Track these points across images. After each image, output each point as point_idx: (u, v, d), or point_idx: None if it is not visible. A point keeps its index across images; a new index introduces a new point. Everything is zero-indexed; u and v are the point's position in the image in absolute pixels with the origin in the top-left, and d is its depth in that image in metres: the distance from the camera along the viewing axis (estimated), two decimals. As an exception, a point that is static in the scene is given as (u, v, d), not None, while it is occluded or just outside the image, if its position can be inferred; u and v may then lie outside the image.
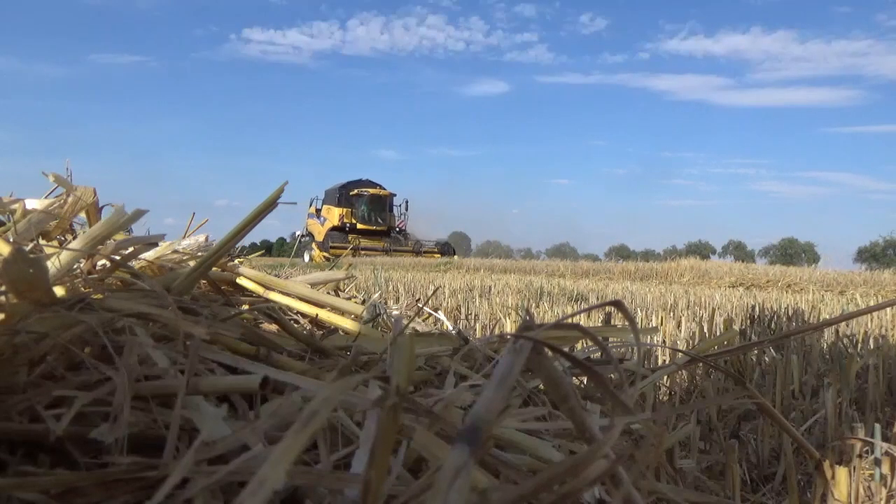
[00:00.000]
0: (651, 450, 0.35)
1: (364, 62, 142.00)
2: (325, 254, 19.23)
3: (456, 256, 19.76)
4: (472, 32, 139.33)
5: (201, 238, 1.17)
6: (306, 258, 21.76)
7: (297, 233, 25.69)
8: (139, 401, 0.49)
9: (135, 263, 0.84)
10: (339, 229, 21.67)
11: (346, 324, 0.88)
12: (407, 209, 23.40)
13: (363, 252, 18.86)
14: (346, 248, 18.52)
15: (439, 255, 19.75)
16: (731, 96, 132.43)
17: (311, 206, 24.66)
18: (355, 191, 22.58)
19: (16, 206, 1.00)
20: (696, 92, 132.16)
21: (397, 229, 22.98)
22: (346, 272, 1.31)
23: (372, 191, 22.75)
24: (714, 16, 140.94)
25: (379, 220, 22.69)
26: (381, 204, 23.05)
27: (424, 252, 20.38)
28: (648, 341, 1.64)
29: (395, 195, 23.47)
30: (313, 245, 21.85)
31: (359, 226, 21.92)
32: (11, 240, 0.79)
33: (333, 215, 22.21)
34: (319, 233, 22.56)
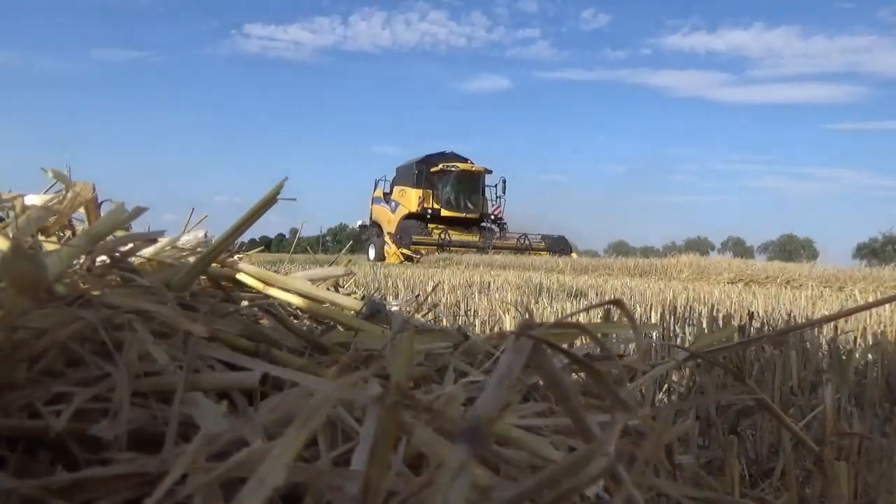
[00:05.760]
0: (651, 447, 0.35)
1: (365, 58, 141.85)
2: (403, 250, 14.41)
3: (574, 255, 14.51)
4: (473, 28, 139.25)
5: (200, 234, 1.17)
6: (371, 254, 16.78)
7: (360, 222, 20.13)
8: (139, 397, 0.49)
9: (134, 260, 0.84)
10: (418, 217, 15.98)
11: (346, 320, 0.88)
12: (504, 191, 16.71)
13: (453, 248, 14.09)
14: (431, 243, 14.39)
15: (547, 254, 14.15)
16: (732, 92, 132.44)
17: (376, 188, 18.74)
18: (439, 166, 16.31)
19: (15, 201, 0.99)
20: (697, 88, 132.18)
21: (492, 217, 16.97)
22: (345, 268, 1.31)
23: (462, 166, 16.55)
24: (716, 11, 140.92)
25: (469, 204, 16.65)
26: (473, 183, 16.87)
27: (533, 249, 14.85)
28: (647, 338, 1.64)
29: (490, 171, 17.05)
30: (387, 239, 15.96)
31: (443, 212, 16.08)
32: (11, 236, 0.79)
33: (409, 199, 16.34)
34: (390, 222, 16.84)
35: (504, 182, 16.62)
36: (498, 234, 16.16)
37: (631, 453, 0.35)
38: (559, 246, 15.12)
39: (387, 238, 16.04)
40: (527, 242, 15.17)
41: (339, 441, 0.49)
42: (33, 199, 1.02)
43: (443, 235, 14.86)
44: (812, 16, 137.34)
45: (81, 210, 1.04)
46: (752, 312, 1.87)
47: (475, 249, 14.17)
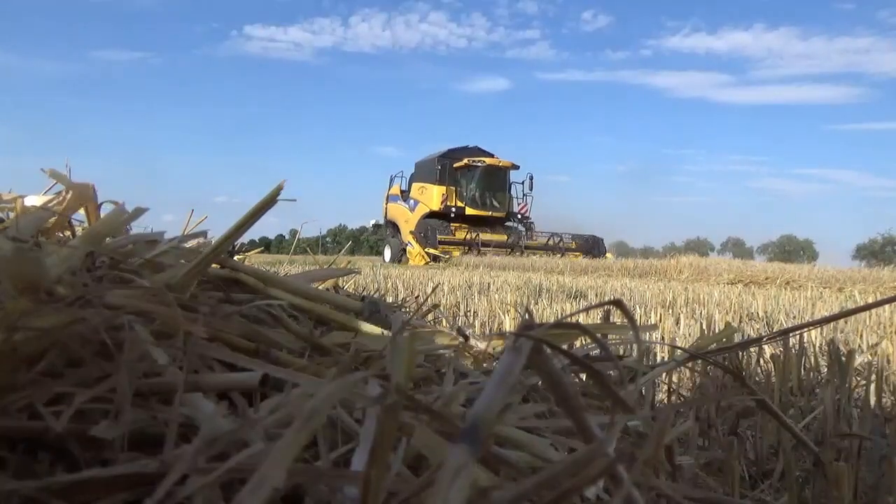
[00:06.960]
0: (651, 447, 0.35)
1: (366, 59, 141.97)
2: (430, 250, 13.30)
3: (609, 256, 13.72)
4: (474, 29, 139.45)
5: (200, 235, 1.17)
6: (387, 255, 15.99)
7: (373, 221, 19.08)
8: (139, 398, 0.49)
9: (134, 261, 0.84)
10: (440, 216, 14.89)
11: (346, 321, 0.88)
12: (532, 188, 15.71)
13: (482, 249, 13.08)
14: (459, 243, 13.52)
15: (580, 255, 13.23)
16: (733, 93, 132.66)
17: (391, 186, 17.53)
18: (463, 161, 15.22)
19: (15, 202, 0.99)
20: (697, 89, 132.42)
21: (518, 216, 16.03)
22: (345, 268, 1.31)
23: (488, 161, 15.43)
24: (716, 12, 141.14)
25: (495, 202, 15.73)
26: (500, 180, 15.92)
27: (565, 250, 13.91)
28: (647, 338, 1.65)
29: (517, 167, 15.96)
30: (409, 238, 14.72)
31: (468, 210, 15.13)
32: (11, 237, 0.79)
33: (431, 196, 15.19)
34: (408, 221, 15.71)
35: (531, 179, 15.69)
36: (525, 234, 15.31)
37: (631, 454, 0.35)
38: (593, 247, 14.19)
39: (409, 238, 14.85)
40: (559, 242, 14.26)
41: (339, 441, 0.49)
42: (33, 201, 1.02)
43: (470, 235, 13.88)
44: (812, 17, 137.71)
45: (81, 211, 1.04)
46: (752, 313, 1.87)
47: (507, 250, 13.30)
